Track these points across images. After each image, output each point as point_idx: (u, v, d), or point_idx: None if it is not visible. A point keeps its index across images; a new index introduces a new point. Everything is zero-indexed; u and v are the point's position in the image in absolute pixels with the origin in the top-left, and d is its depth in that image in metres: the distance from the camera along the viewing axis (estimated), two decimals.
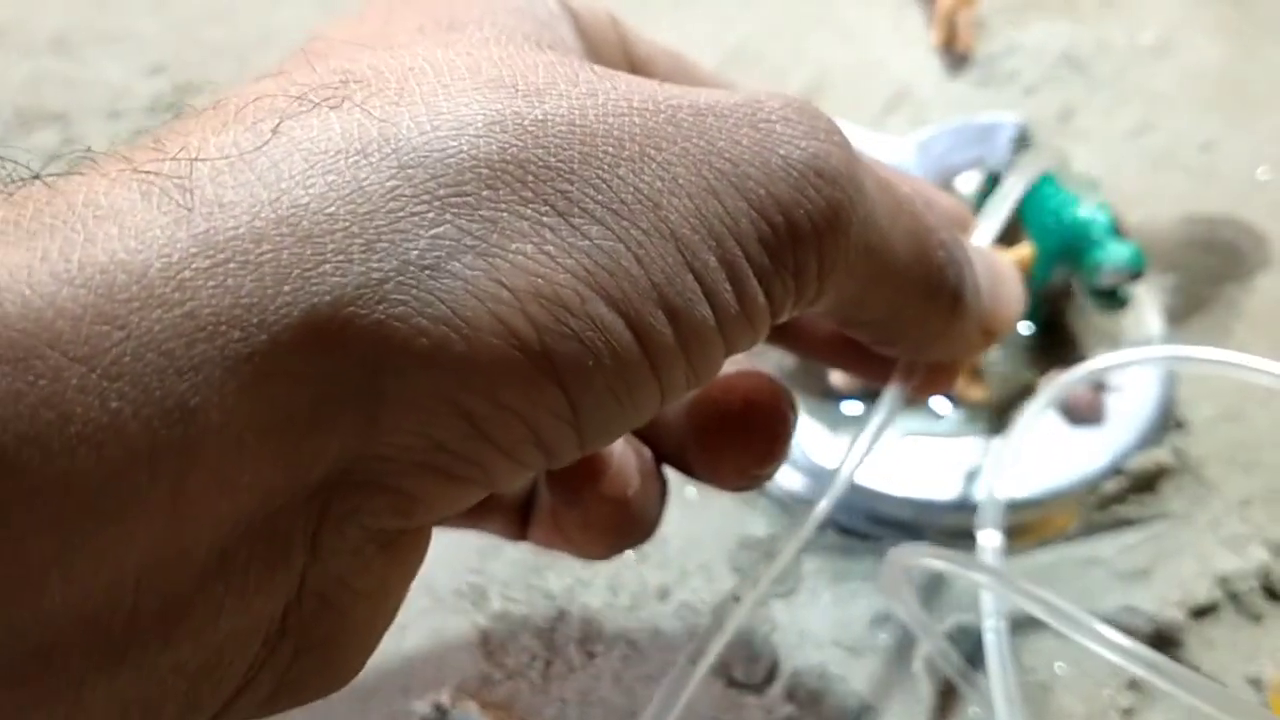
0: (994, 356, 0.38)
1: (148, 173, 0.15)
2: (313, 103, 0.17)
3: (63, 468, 0.13)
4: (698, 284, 0.17)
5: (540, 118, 0.17)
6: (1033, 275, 0.37)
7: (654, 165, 0.17)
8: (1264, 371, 0.29)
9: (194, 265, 0.14)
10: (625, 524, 0.25)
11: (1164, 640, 0.32)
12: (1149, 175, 0.46)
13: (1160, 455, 0.35)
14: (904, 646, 0.32)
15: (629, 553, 0.34)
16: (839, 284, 0.20)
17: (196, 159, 0.16)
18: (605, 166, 0.17)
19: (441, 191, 0.16)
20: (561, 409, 0.17)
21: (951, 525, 0.34)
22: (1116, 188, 0.45)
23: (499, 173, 0.16)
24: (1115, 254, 0.35)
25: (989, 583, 0.26)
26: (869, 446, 0.25)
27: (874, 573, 0.33)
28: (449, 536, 0.34)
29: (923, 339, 0.24)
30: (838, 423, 0.36)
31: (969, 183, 0.38)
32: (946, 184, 0.38)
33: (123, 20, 0.54)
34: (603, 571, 0.34)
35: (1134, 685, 0.31)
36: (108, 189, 0.15)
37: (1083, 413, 0.36)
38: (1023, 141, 0.36)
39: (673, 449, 0.25)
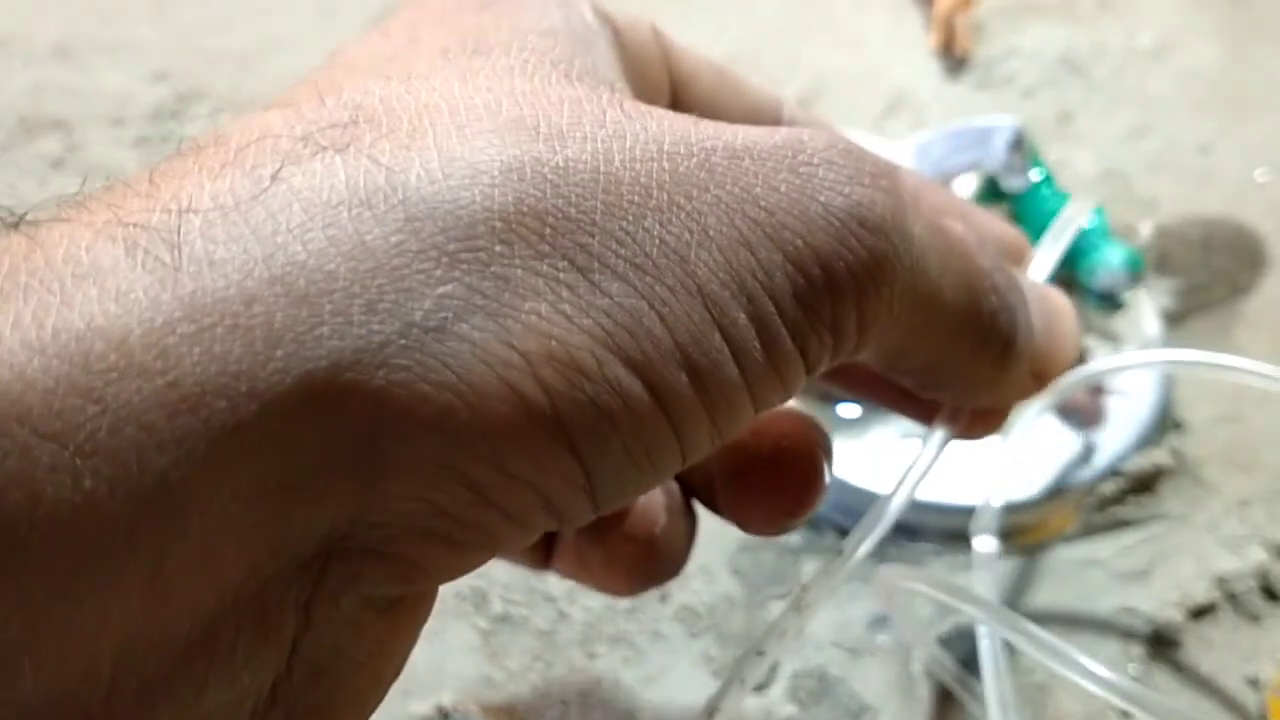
0: None
1: (134, 225, 0.14)
2: (319, 145, 0.16)
3: (32, 551, 0.13)
4: (725, 343, 0.16)
5: (561, 164, 0.16)
6: None
7: (683, 215, 0.16)
8: (1261, 374, 0.29)
9: (179, 330, 0.14)
10: (650, 563, 0.24)
11: (1162, 641, 0.32)
12: (1147, 177, 0.46)
13: (1158, 456, 0.36)
14: (903, 648, 0.32)
15: None
16: (881, 335, 0.19)
17: (187, 210, 0.15)
18: (630, 218, 0.16)
19: (451, 246, 0.15)
20: (574, 475, 0.16)
21: (950, 527, 0.34)
22: (1114, 190, 0.45)
23: (514, 226, 0.15)
24: (1112, 256, 0.35)
25: (978, 615, 0.26)
26: (912, 489, 0.24)
27: (873, 575, 0.33)
28: None
29: (971, 387, 0.23)
30: (835, 426, 0.36)
31: (966, 186, 0.38)
32: (944, 187, 0.38)
33: (123, 29, 0.55)
34: None
35: None
36: (90, 243, 0.14)
37: (1081, 414, 0.36)
38: (1018, 145, 0.36)
39: (702, 485, 0.24)
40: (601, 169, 0.16)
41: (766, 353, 0.17)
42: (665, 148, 0.17)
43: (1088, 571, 0.34)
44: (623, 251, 0.16)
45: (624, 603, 0.33)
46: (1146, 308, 0.39)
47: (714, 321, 0.16)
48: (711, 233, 0.17)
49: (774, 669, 0.32)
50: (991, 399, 0.24)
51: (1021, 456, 0.33)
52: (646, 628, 0.32)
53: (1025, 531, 0.34)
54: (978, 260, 0.21)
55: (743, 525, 0.23)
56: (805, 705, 0.31)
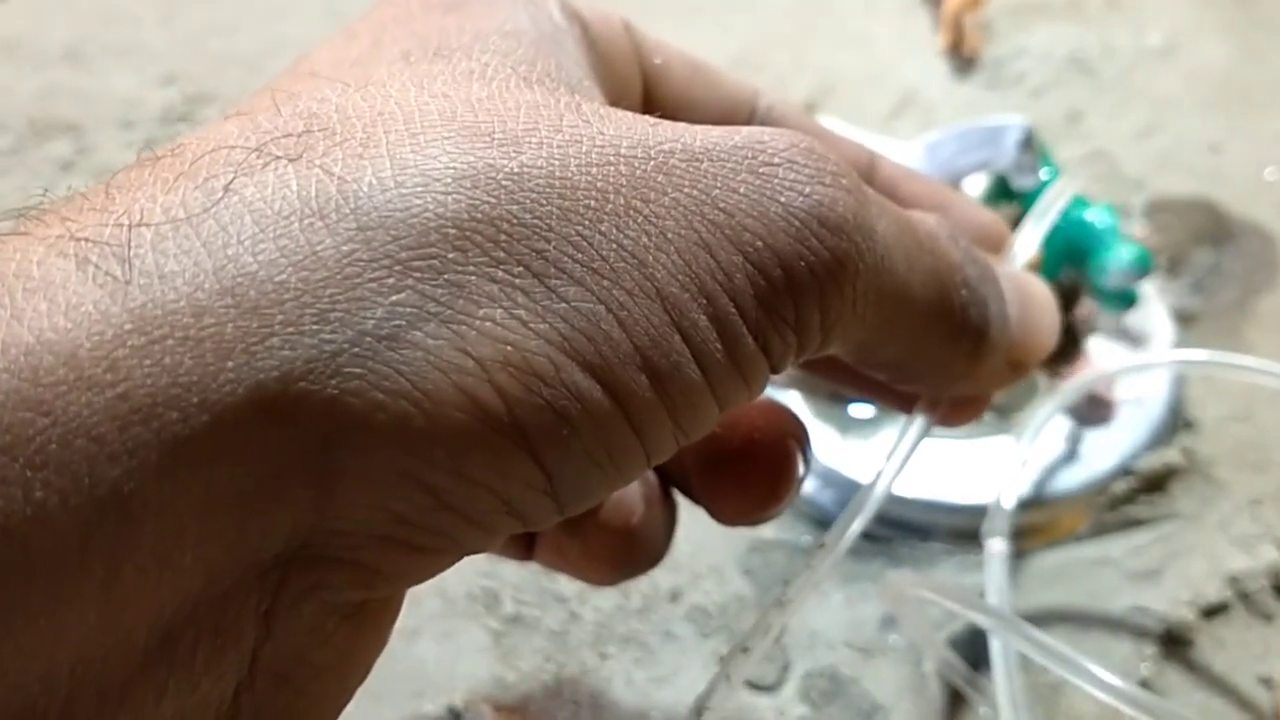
0: None
1: (86, 239, 0.15)
2: (272, 155, 0.16)
3: None
4: (685, 344, 0.16)
5: (516, 170, 0.16)
6: (1040, 277, 0.37)
7: (640, 219, 0.16)
8: (1273, 374, 0.29)
9: (128, 343, 0.14)
10: (628, 553, 0.24)
11: (1175, 640, 0.32)
12: (1156, 176, 0.46)
13: (1170, 455, 0.35)
14: (915, 648, 0.32)
15: None
16: (846, 332, 0.19)
17: (139, 224, 0.15)
18: (587, 222, 0.16)
19: (403, 255, 0.15)
20: (535, 479, 0.16)
21: (962, 527, 0.34)
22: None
23: (468, 232, 0.15)
24: (1121, 255, 0.35)
25: (986, 623, 0.26)
26: (891, 480, 0.23)
27: (884, 575, 0.33)
28: None
29: (945, 379, 0.23)
30: (846, 425, 0.36)
31: (976, 185, 0.38)
32: (954, 187, 0.38)
33: (133, 32, 0.55)
34: None
35: (1145, 685, 0.31)
36: (42, 257, 0.14)
37: (1092, 413, 0.36)
38: (1028, 144, 0.36)
39: (679, 474, 0.24)
40: (557, 174, 0.16)
41: (728, 353, 0.17)
42: (622, 151, 0.17)
43: (1100, 571, 0.34)
44: (579, 256, 0.16)
45: (635, 603, 0.33)
46: (1158, 308, 0.39)
47: (673, 323, 0.16)
48: (670, 235, 0.17)
49: (786, 669, 0.32)
50: (968, 390, 0.24)
51: (1033, 456, 0.33)
52: (658, 628, 0.32)
53: (1037, 531, 0.34)
54: (949, 254, 0.21)
55: (717, 516, 0.23)
56: (817, 705, 0.31)
